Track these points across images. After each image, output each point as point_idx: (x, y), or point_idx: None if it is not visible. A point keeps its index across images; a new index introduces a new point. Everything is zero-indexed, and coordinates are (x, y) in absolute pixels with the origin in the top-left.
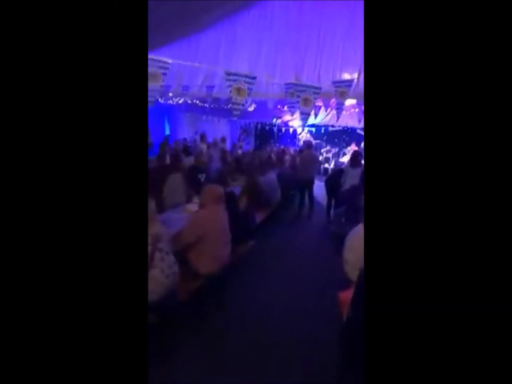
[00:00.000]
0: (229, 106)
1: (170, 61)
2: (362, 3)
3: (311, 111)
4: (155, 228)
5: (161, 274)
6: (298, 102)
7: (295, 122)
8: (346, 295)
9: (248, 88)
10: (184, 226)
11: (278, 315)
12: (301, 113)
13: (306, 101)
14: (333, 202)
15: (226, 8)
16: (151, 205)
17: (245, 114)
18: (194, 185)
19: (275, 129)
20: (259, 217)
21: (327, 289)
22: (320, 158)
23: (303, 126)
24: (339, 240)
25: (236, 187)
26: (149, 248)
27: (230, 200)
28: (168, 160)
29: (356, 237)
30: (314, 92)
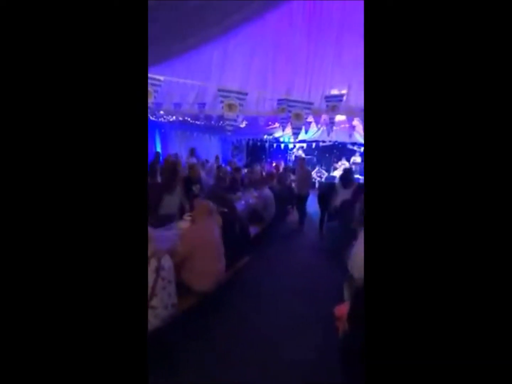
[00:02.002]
0: (221, 123)
1: (162, 78)
2: (351, 18)
3: (302, 126)
4: (154, 249)
5: (160, 303)
6: (289, 117)
7: (286, 137)
8: (342, 310)
9: (240, 104)
10: (176, 242)
11: (274, 330)
12: (293, 128)
13: (297, 116)
14: (325, 216)
15: (220, 27)
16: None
17: (236, 130)
18: (189, 198)
19: (266, 145)
20: (253, 232)
21: (321, 304)
22: (313, 173)
23: (295, 141)
24: (331, 255)
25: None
26: (152, 276)
27: (226, 217)
28: (159, 178)
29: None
30: (305, 108)
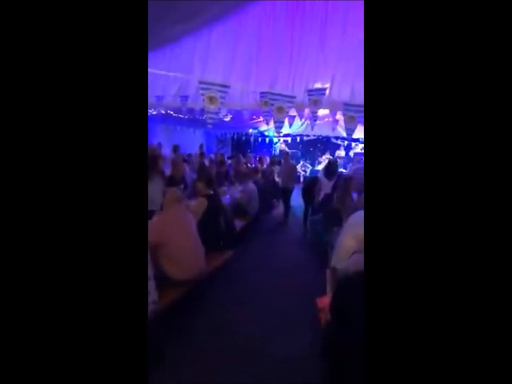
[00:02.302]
0: (204, 116)
1: None
2: (334, 12)
3: (284, 119)
4: None
5: None
6: (272, 110)
7: (271, 131)
8: (324, 301)
9: (221, 97)
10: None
11: (257, 325)
12: (275, 122)
13: (279, 109)
14: (309, 210)
15: (201, 19)
16: None
17: (221, 124)
18: None
19: (251, 139)
20: (238, 226)
21: (304, 296)
22: (298, 167)
23: (278, 134)
24: (316, 247)
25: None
26: None
27: (213, 209)
28: None
29: (353, 224)
30: (287, 101)
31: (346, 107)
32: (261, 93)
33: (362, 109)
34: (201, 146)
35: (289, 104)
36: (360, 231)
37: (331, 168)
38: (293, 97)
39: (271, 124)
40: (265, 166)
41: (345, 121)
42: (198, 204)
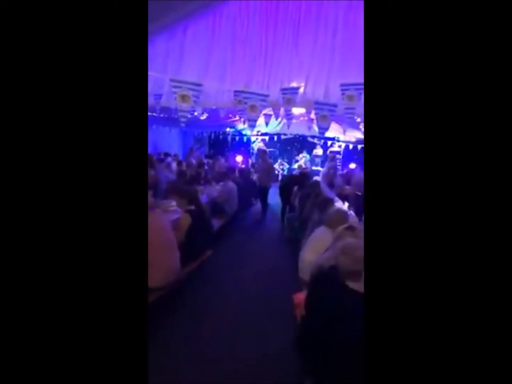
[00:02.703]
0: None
1: None
2: (309, 14)
3: (258, 118)
4: None
5: None
6: (245, 109)
7: (248, 130)
8: (300, 297)
9: (194, 96)
10: None
11: (235, 324)
12: (248, 120)
13: (253, 108)
14: (287, 208)
15: (174, 16)
16: None
17: (197, 123)
18: None
19: (228, 137)
20: (216, 225)
21: (282, 293)
22: (276, 165)
23: (251, 133)
24: (293, 244)
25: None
26: None
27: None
28: None
29: (313, 242)
30: (261, 100)
31: (318, 106)
32: (235, 91)
33: (335, 108)
34: (175, 156)
35: (263, 103)
36: (321, 247)
37: (302, 180)
38: (266, 95)
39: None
40: (243, 164)
41: (317, 120)
42: (182, 221)
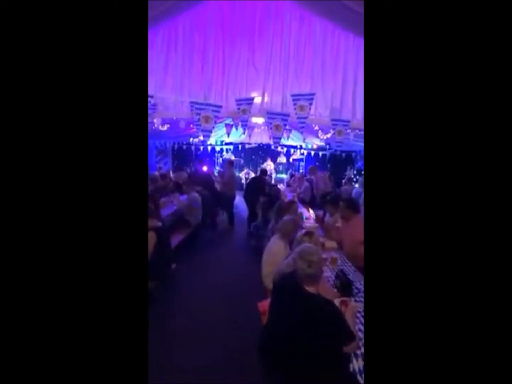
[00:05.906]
0: None
1: None
2: (264, 25)
3: (212, 128)
4: None
5: None
6: (199, 120)
7: (212, 140)
8: (265, 305)
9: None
10: None
11: (203, 330)
12: (202, 130)
13: (206, 118)
14: (253, 214)
15: None
16: None
17: (159, 134)
18: None
19: (193, 148)
20: (179, 238)
21: (247, 301)
22: (241, 174)
23: (221, 144)
24: (258, 252)
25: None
26: None
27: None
28: None
29: (269, 251)
30: (214, 110)
31: (271, 115)
32: (190, 102)
33: (287, 118)
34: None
35: (216, 113)
36: (274, 256)
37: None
38: (219, 106)
39: (213, 133)
40: (207, 174)
41: (270, 130)
42: (148, 239)
